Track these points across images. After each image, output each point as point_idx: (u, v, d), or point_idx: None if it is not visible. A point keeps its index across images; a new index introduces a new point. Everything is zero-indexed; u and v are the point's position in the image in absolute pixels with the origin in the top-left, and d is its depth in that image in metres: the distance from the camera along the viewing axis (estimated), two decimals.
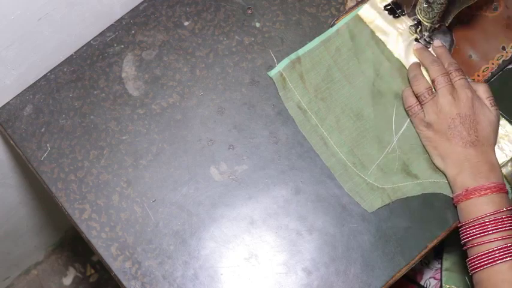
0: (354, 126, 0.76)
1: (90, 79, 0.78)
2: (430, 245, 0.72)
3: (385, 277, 0.70)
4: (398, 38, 0.78)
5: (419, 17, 0.74)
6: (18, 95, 0.77)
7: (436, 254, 0.96)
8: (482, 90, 0.72)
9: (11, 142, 0.76)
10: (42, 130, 0.76)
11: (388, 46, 0.78)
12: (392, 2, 0.80)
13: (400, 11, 0.79)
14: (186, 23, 0.80)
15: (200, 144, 0.75)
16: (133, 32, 0.80)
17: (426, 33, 0.77)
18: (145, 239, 0.72)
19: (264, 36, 0.80)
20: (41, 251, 1.44)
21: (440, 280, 0.93)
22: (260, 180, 0.74)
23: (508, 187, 0.72)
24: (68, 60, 0.79)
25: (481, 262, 0.66)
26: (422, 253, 0.71)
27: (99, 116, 0.76)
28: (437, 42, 0.77)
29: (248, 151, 0.75)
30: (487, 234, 0.66)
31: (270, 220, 0.72)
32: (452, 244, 0.95)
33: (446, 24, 0.74)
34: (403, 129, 0.75)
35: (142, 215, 0.73)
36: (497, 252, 0.65)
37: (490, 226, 0.66)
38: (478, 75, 0.78)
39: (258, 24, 0.80)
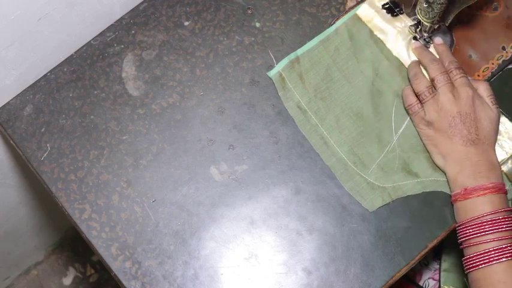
0: (353, 125, 0.76)
1: (90, 79, 0.78)
2: (430, 245, 0.72)
3: (385, 277, 0.70)
4: (397, 37, 0.78)
5: (419, 17, 0.74)
6: (18, 95, 0.77)
7: (435, 254, 0.96)
8: (483, 89, 0.72)
9: (11, 142, 0.76)
10: (42, 130, 0.76)
11: (387, 45, 0.78)
12: (390, 0, 0.80)
13: (398, 9, 0.79)
14: (186, 23, 0.80)
15: (200, 144, 0.75)
16: (133, 32, 0.80)
17: (426, 33, 0.77)
18: (146, 239, 0.72)
19: (264, 36, 0.80)
20: (41, 251, 1.44)
21: (439, 281, 0.93)
22: (260, 180, 0.74)
23: (508, 185, 0.72)
24: (68, 60, 0.79)
25: (477, 262, 0.66)
26: (423, 253, 0.71)
27: (99, 116, 0.76)
28: (438, 40, 0.77)
29: (248, 151, 0.75)
30: (484, 235, 0.66)
31: (270, 220, 0.72)
32: (451, 245, 0.95)
33: (446, 24, 0.74)
34: (403, 128, 0.75)
35: (142, 215, 0.73)
36: (493, 252, 0.65)
37: (487, 226, 0.66)
38: (478, 75, 0.78)
39: (258, 24, 0.80)
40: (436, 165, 0.73)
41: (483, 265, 0.65)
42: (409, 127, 0.75)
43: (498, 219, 0.66)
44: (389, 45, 0.78)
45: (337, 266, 0.71)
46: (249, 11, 0.81)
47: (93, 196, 0.73)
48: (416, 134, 0.75)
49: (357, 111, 0.76)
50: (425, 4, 0.71)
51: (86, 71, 0.78)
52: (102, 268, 1.47)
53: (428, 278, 0.96)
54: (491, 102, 0.72)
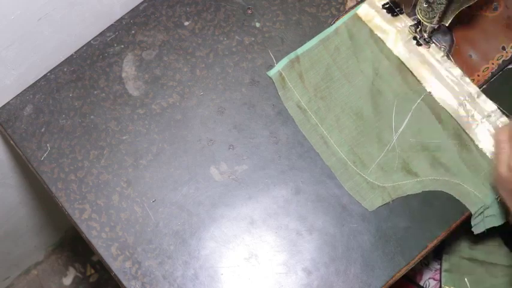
0: (353, 125, 0.76)
1: (90, 79, 0.78)
2: (430, 245, 0.72)
3: (385, 277, 0.70)
4: (397, 36, 0.78)
5: (419, 17, 0.74)
6: (18, 95, 0.77)
7: (436, 254, 0.96)
8: None
9: (11, 142, 0.76)
10: (42, 130, 0.76)
11: (387, 44, 0.78)
12: (390, 0, 0.80)
13: (398, 9, 0.79)
14: (186, 23, 0.80)
15: (200, 144, 0.75)
16: (133, 32, 0.80)
17: (426, 33, 0.77)
18: (146, 239, 0.72)
19: (264, 36, 0.80)
20: (41, 251, 1.44)
21: (440, 281, 0.93)
22: (260, 180, 0.74)
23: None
24: (68, 60, 0.79)
25: None
26: (423, 253, 0.71)
27: (99, 116, 0.76)
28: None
29: (248, 151, 0.75)
30: None
31: (270, 220, 0.72)
32: (452, 245, 0.95)
33: (446, 24, 0.74)
34: (402, 127, 0.75)
35: (142, 215, 0.73)
36: None
37: None
38: (478, 75, 0.78)
39: (258, 24, 0.80)
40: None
41: None
42: (408, 127, 0.75)
43: None
44: (390, 44, 0.78)
45: (337, 266, 0.71)
46: (249, 11, 0.81)
47: (93, 196, 0.73)
48: (416, 134, 0.75)
49: (356, 111, 0.76)
50: (425, 4, 0.71)
51: (86, 71, 0.78)
52: (102, 268, 1.47)
53: (429, 278, 0.96)
54: None
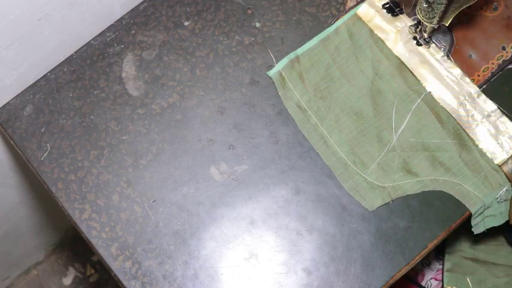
0: (353, 124, 0.76)
1: (90, 79, 0.78)
2: (431, 245, 0.72)
3: (385, 277, 0.70)
4: (397, 36, 0.78)
5: (419, 17, 0.74)
6: (18, 95, 0.77)
7: (437, 254, 0.96)
8: None
9: (11, 142, 0.76)
10: (42, 130, 0.76)
11: (387, 44, 0.78)
12: (390, 0, 0.80)
13: (398, 9, 0.79)
14: (186, 23, 0.80)
15: (200, 144, 0.75)
16: (133, 32, 0.80)
17: (426, 33, 0.77)
18: (145, 239, 0.72)
19: (264, 36, 0.80)
20: (41, 251, 1.44)
21: (442, 281, 0.93)
22: (260, 180, 0.74)
23: (508, 185, 0.72)
24: (68, 60, 0.79)
25: None
26: (423, 253, 0.71)
27: (99, 116, 0.76)
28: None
29: (248, 151, 0.75)
30: None
31: (270, 220, 0.72)
32: (454, 245, 0.95)
33: (446, 24, 0.74)
34: (402, 127, 0.75)
35: (142, 215, 0.73)
36: None
37: None
38: (478, 75, 0.78)
39: (258, 24, 0.80)
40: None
41: None
42: (408, 126, 0.75)
43: None
44: (389, 44, 0.78)
45: (337, 266, 0.71)
46: (249, 11, 0.81)
47: (93, 196, 0.73)
48: (416, 134, 0.75)
49: (356, 111, 0.76)
50: (425, 4, 0.71)
51: (86, 71, 0.78)
52: (102, 268, 1.47)
53: (431, 278, 0.96)
54: None
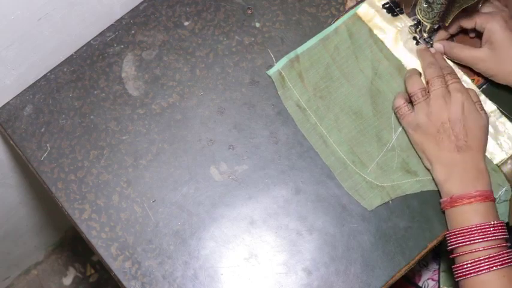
0: (353, 124, 0.76)
1: (90, 79, 0.78)
2: (430, 245, 0.72)
3: (385, 277, 0.70)
4: (397, 36, 0.78)
5: (419, 17, 0.74)
6: (18, 95, 0.77)
7: (434, 255, 0.96)
8: (471, 95, 0.71)
9: (11, 142, 0.76)
10: (42, 130, 0.76)
11: (387, 44, 0.78)
12: (390, 0, 0.80)
13: (398, 9, 0.79)
14: (186, 23, 0.80)
15: (200, 144, 0.75)
16: (133, 32, 0.80)
17: (426, 33, 0.77)
18: (145, 239, 0.72)
19: (264, 36, 0.80)
20: (41, 251, 1.44)
21: (438, 281, 0.93)
22: (260, 180, 0.74)
23: (507, 186, 0.72)
24: (68, 60, 0.79)
25: (467, 271, 0.65)
26: (423, 253, 0.71)
27: (99, 116, 0.76)
28: (437, 46, 0.76)
29: (248, 151, 0.75)
30: (472, 244, 0.66)
31: (270, 220, 0.72)
32: None
33: (446, 24, 0.74)
34: (402, 126, 0.75)
35: (142, 215, 0.73)
36: (482, 262, 0.65)
37: (475, 235, 0.65)
38: (478, 75, 0.78)
39: (258, 24, 0.80)
40: (426, 169, 0.73)
41: (472, 274, 0.65)
42: None
43: (485, 228, 0.65)
44: (389, 44, 0.78)
45: (337, 266, 0.71)
46: (249, 11, 0.81)
47: (93, 196, 0.73)
48: None
49: (356, 110, 0.76)
50: (425, 4, 0.71)
51: (86, 71, 0.78)
52: (102, 268, 1.47)
53: (428, 279, 0.96)
54: (480, 107, 0.71)
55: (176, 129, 0.76)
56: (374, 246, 0.71)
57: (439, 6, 0.70)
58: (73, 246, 1.48)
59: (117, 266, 0.71)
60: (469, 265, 0.65)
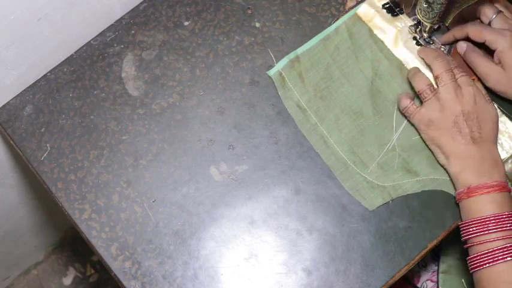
0: (353, 124, 0.76)
1: (90, 79, 0.78)
2: (430, 245, 0.72)
3: (385, 277, 0.70)
4: (397, 36, 0.78)
5: (419, 17, 0.74)
6: (18, 95, 0.77)
7: (433, 256, 0.96)
8: (479, 88, 0.72)
9: (11, 142, 0.76)
10: (42, 130, 0.76)
11: (387, 44, 0.78)
12: (390, 0, 0.80)
13: (398, 9, 0.79)
14: (186, 23, 0.80)
15: (200, 144, 0.75)
16: (133, 32, 0.80)
17: (426, 33, 0.77)
18: (145, 239, 0.72)
19: (264, 36, 0.80)
20: (41, 251, 1.44)
21: (437, 282, 0.93)
22: (260, 180, 0.74)
23: (509, 185, 0.72)
24: (68, 60, 0.79)
25: (481, 261, 0.66)
26: (423, 253, 0.71)
27: (99, 116, 0.76)
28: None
29: (248, 151, 0.75)
30: (488, 233, 0.66)
31: (270, 220, 0.72)
32: (449, 246, 0.94)
33: (446, 24, 0.74)
34: (402, 126, 0.75)
35: (142, 215, 0.73)
36: (497, 252, 0.65)
37: (490, 225, 0.66)
38: (479, 79, 0.78)
39: (258, 24, 0.80)
40: (440, 165, 0.73)
41: (487, 265, 0.65)
42: (409, 126, 0.75)
43: (502, 218, 0.66)
44: (389, 44, 0.78)
45: (337, 266, 0.71)
46: (249, 11, 0.81)
47: (93, 196, 0.73)
48: (416, 133, 0.75)
49: (356, 110, 0.76)
50: (425, 4, 0.71)
51: (86, 71, 0.78)
52: (102, 268, 1.47)
53: (427, 280, 0.96)
54: (488, 100, 0.72)
55: (176, 129, 0.76)
56: (374, 246, 0.71)
57: (439, 6, 0.70)
58: (73, 246, 1.48)
59: (117, 266, 0.71)
60: (484, 255, 0.65)
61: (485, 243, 0.66)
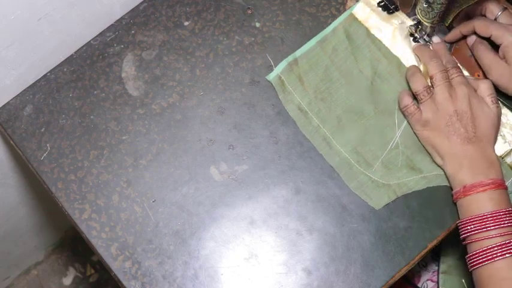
0: (355, 124, 0.76)
1: (90, 79, 0.78)
2: (430, 245, 0.72)
3: (385, 277, 0.70)
4: (394, 34, 0.78)
5: (419, 17, 0.74)
6: (18, 95, 0.77)
7: (433, 256, 0.96)
8: (484, 88, 0.72)
9: (11, 142, 0.76)
10: (42, 130, 0.76)
11: (385, 43, 0.78)
12: None
13: (393, 6, 0.79)
14: (186, 23, 0.80)
15: (200, 144, 0.75)
16: (133, 32, 0.80)
17: (426, 33, 0.77)
18: (145, 239, 0.72)
19: (264, 36, 0.80)
20: (41, 251, 1.44)
21: (437, 282, 0.93)
22: (260, 180, 0.74)
23: (507, 183, 0.72)
24: (68, 60, 0.79)
25: (480, 259, 0.66)
26: (423, 253, 0.71)
27: (99, 116, 0.76)
28: (436, 39, 0.77)
29: (248, 151, 0.75)
30: (486, 231, 0.66)
31: (270, 220, 0.72)
32: (450, 246, 0.94)
33: (446, 24, 0.74)
34: (404, 124, 0.75)
35: (142, 215, 0.73)
36: (496, 248, 0.65)
37: (488, 222, 0.66)
38: (478, 75, 0.78)
39: (258, 24, 0.80)
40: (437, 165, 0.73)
41: (486, 262, 0.65)
42: None
43: (499, 215, 0.66)
44: (387, 43, 0.78)
45: (337, 266, 0.71)
46: (249, 11, 0.81)
47: (93, 196, 0.73)
48: None
49: (357, 110, 0.76)
50: (425, 4, 0.71)
51: (86, 71, 0.78)
52: (102, 268, 1.47)
53: (427, 280, 0.96)
54: (492, 101, 0.71)
55: (176, 129, 0.76)
56: (374, 246, 0.71)
57: (439, 6, 0.70)
58: (73, 246, 1.48)
59: (117, 266, 0.71)
60: (483, 253, 0.66)
61: (483, 240, 0.66)
